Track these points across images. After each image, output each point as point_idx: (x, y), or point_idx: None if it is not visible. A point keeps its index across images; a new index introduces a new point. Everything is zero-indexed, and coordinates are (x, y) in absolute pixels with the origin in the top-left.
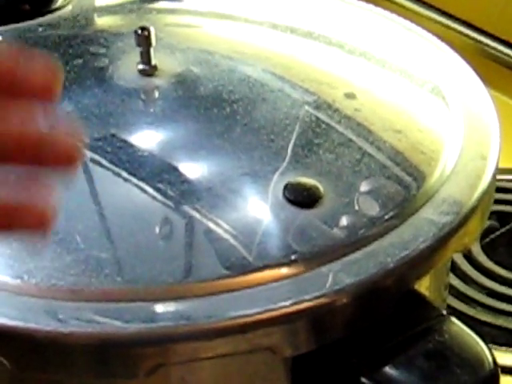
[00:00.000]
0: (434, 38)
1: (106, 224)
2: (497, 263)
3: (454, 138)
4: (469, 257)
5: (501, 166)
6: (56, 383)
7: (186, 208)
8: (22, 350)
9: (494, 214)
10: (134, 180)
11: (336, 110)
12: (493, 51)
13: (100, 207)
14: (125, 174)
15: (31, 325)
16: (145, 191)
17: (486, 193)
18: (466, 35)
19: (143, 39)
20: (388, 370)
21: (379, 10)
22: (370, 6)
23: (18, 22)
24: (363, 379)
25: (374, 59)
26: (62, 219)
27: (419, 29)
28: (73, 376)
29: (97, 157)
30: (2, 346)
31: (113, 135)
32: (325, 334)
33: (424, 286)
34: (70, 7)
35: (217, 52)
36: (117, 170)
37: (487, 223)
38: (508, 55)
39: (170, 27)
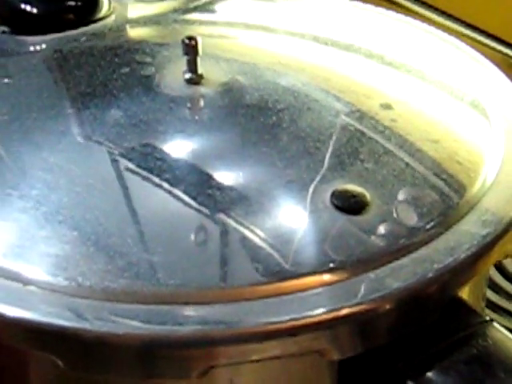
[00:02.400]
0: (472, 50)
1: (158, 229)
2: None
3: (494, 150)
4: (500, 267)
5: None
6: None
7: (235, 215)
8: (76, 351)
9: None
10: (181, 187)
11: (372, 121)
12: None
13: (147, 213)
14: (171, 181)
15: (85, 326)
16: (193, 197)
17: None
18: (495, 49)
19: (190, 48)
20: (433, 374)
21: (417, 22)
22: (408, 19)
23: (62, 31)
24: (409, 383)
25: (413, 71)
26: (113, 224)
27: (457, 40)
28: (125, 376)
29: (145, 164)
30: (56, 347)
31: (160, 142)
32: (370, 338)
33: (466, 294)
34: (113, 17)
35: (260, 62)
36: (164, 176)
37: None
38: None
39: (214, 38)
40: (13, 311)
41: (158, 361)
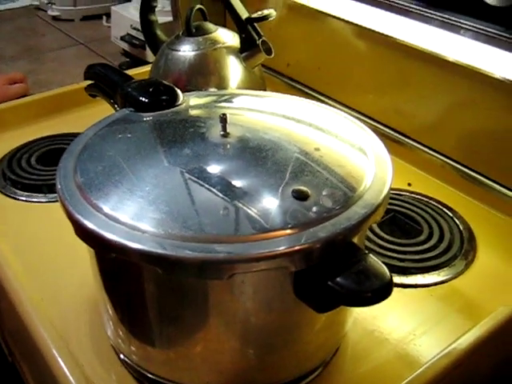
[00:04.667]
0: (360, 123)
1: (203, 207)
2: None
3: (370, 170)
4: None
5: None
6: (178, 281)
7: (242, 200)
8: (164, 264)
9: None
10: (216, 186)
11: (310, 155)
12: None
13: (198, 200)
14: (211, 183)
15: (167, 252)
16: (220, 191)
17: (384, 199)
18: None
19: (223, 119)
20: (340, 278)
21: (332, 108)
22: (327, 106)
23: (159, 111)
24: (329, 282)
25: (331, 133)
26: (182, 205)
27: (353, 118)
28: (189, 276)
29: (200, 175)
30: (156, 262)
31: (208, 165)
32: (309, 261)
33: (356, 240)
34: (184, 104)
35: (257, 127)
36: (207, 181)
37: None
38: None
39: (234, 114)
40: (135, 245)
41: (206, 271)
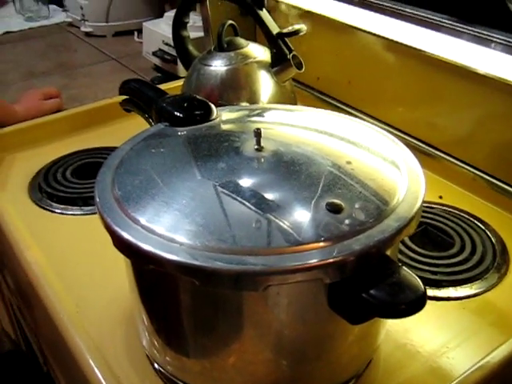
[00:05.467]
0: (392, 136)
1: (236, 220)
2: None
3: (403, 184)
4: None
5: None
6: (214, 293)
7: (276, 213)
8: (201, 276)
9: None
10: (250, 199)
11: (343, 168)
12: None
13: (231, 212)
14: (245, 196)
15: (201, 263)
16: (254, 204)
17: (417, 212)
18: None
19: (257, 134)
20: (374, 290)
21: (365, 122)
22: (359, 120)
23: (194, 125)
24: (363, 294)
25: (363, 146)
26: (216, 218)
27: (384, 131)
28: (226, 289)
29: (235, 188)
30: (193, 273)
31: (242, 178)
32: (343, 273)
33: (389, 252)
34: (218, 119)
35: (290, 141)
36: (241, 194)
37: None
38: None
39: (267, 129)
40: (172, 257)
41: (242, 282)
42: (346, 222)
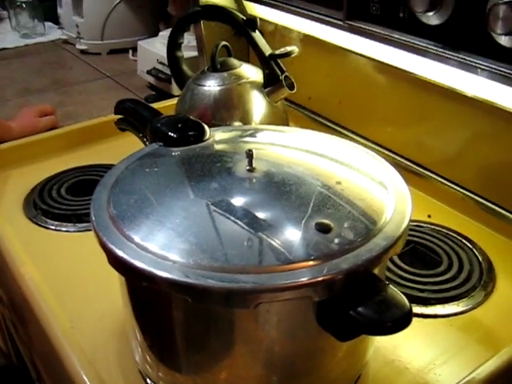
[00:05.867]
0: (379, 157)
1: (227, 238)
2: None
3: (390, 204)
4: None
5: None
6: (206, 310)
7: (266, 232)
8: (192, 293)
9: None
10: (241, 218)
11: (332, 189)
12: None
13: (222, 231)
14: (236, 215)
15: (193, 281)
16: (245, 223)
17: (404, 231)
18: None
19: (249, 155)
20: (361, 308)
21: (351, 143)
22: (347, 141)
23: (187, 146)
24: (351, 312)
25: (352, 167)
26: (208, 236)
27: (373, 153)
28: (217, 306)
29: (225, 207)
30: (184, 291)
31: (233, 198)
32: (331, 291)
33: (376, 271)
34: (211, 139)
35: (281, 162)
36: (232, 213)
37: None
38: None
39: (259, 149)
40: (165, 274)
41: (233, 300)
42: (335, 241)
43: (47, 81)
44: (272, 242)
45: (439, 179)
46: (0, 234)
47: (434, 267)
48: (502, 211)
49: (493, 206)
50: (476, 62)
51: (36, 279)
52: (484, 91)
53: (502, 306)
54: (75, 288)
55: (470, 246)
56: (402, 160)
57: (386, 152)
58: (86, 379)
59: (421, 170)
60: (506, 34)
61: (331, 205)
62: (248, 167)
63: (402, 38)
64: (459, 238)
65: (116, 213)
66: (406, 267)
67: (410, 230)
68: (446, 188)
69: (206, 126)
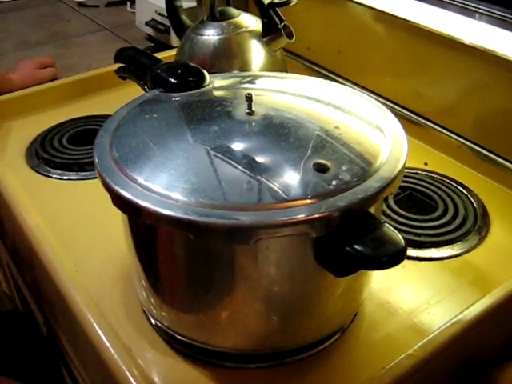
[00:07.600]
0: (376, 101)
1: (226, 178)
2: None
3: (386, 147)
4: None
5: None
6: (207, 248)
7: (266, 173)
8: (196, 230)
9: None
10: (241, 160)
11: (330, 132)
12: None
13: (222, 171)
14: (236, 157)
15: (195, 218)
16: (244, 164)
17: (399, 173)
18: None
19: (248, 98)
20: (358, 245)
21: (350, 88)
22: (345, 87)
23: (187, 91)
24: (347, 248)
25: (349, 112)
26: (205, 174)
27: (370, 98)
28: (218, 242)
29: (225, 149)
30: (187, 228)
31: (233, 140)
32: (328, 227)
33: (372, 210)
34: (211, 85)
35: (279, 105)
36: (232, 155)
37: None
38: None
39: (258, 94)
40: (168, 212)
41: (234, 236)
42: (333, 182)
43: (45, 34)
44: (271, 182)
45: (436, 128)
46: (4, 184)
47: (429, 213)
48: (497, 158)
49: (488, 154)
50: (475, 7)
51: (40, 226)
52: (481, 38)
53: (495, 250)
54: (79, 234)
55: (466, 193)
56: (400, 109)
57: (384, 101)
58: (91, 320)
59: (418, 118)
60: None
61: (329, 147)
62: (247, 111)
63: None
64: (455, 184)
65: (119, 155)
66: (403, 212)
67: (407, 176)
68: (443, 136)
69: (205, 72)
